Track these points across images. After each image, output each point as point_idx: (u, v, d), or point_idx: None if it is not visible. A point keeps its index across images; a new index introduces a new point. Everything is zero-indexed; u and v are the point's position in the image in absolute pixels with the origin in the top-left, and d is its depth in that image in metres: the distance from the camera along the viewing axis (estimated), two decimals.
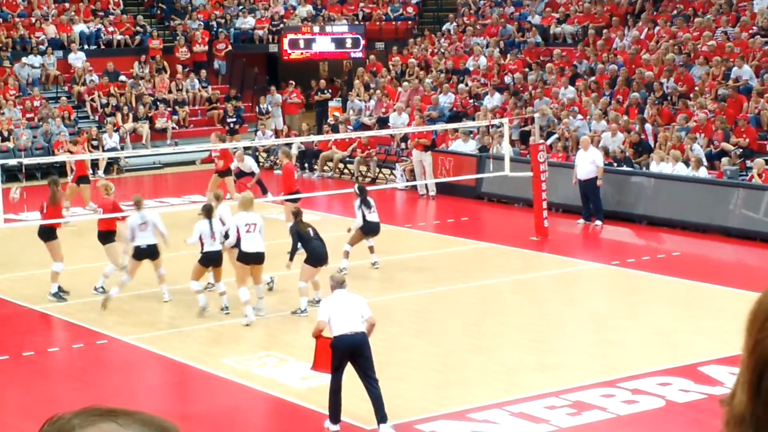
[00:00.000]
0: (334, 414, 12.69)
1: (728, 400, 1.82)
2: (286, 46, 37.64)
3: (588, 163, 24.01)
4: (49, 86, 36.37)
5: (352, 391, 12.57)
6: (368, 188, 21.09)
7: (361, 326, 12.43)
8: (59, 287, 19.01)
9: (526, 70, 32.39)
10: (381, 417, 12.45)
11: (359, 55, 37.75)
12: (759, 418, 1.76)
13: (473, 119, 29.87)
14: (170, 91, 36.80)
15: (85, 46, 37.68)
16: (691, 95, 27.42)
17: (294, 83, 37.10)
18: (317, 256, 17.14)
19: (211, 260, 17.51)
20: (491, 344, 16.02)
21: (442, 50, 35.88)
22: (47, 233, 19.05)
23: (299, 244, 17.25)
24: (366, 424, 12.68)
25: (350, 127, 32.57)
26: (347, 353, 12.37)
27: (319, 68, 40.73)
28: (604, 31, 32.68)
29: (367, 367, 12.42)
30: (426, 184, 27.73)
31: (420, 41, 37.30)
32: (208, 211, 17.59)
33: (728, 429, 1.81)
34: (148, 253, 18.03)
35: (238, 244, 17.10)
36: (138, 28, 39.10)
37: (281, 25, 39.26)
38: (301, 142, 31.11)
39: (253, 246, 16.95)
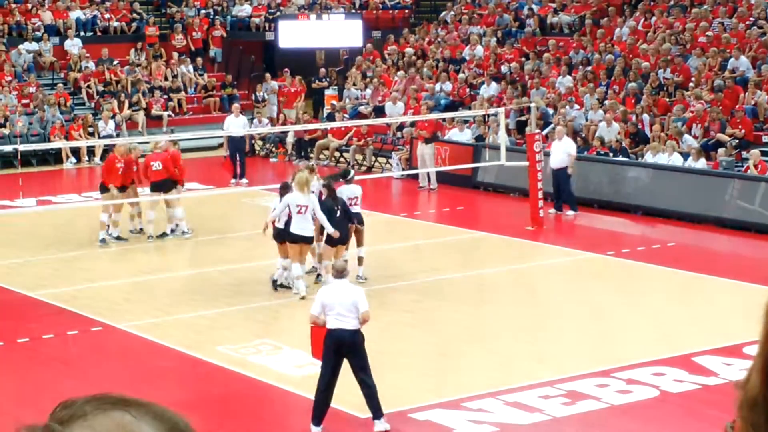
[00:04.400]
0: (318, 414, 12.21)
1: (742, 384, 1.83)
2: (282, 34, 37.56)
3: (561, 153, 23.99)
4: (45, 73, 36.31)
5: (343, 378, 12.52)
6: (365, 177, 21.10)
7: (354, 322, 12.02)
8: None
9: (523, 59, 32.39)
10: (375, 413, 12.25)
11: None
12: None
13: (470, 108, 29.85)
14: (166, 79, 36.76)
15: (82, 33, 37.62)
16: (689, 86, 27.45)
17: (289, 71, 36.96)
18: (331, 237, 17.53)
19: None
20: (486, 333, 16.04)
21: (439, 39, 35.86)
22: (168, 186, 21.53)
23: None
24: (360, 412, 12.66)
25: (346, 116, 32.54)
26: (338, 350, 12.04)
27: (315, 56, 40.67)
28: (602, 21, 32.69)
29: (359, 366, 12.08)
30: (428, 177, 27.51)
31: (417, 30, 37.27)
32: (284, 188, 17.90)
33: (741, 413, 1.81)
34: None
35: (287, 224, 17.49)
36: (134, 14, 39.03)
37: (278, 13, 39.21)
38: (296, 130, 31.10)
39: (302, 228, 17.36)
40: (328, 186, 17.97)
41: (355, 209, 18.35)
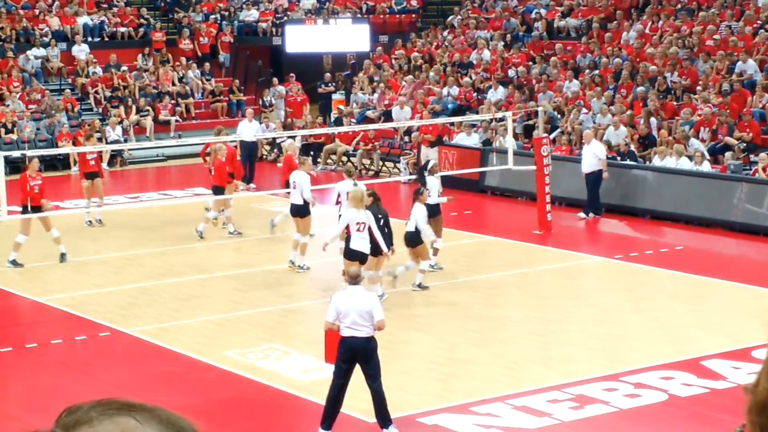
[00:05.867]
0: (328, 418, 12.26)
1: (752, 387, 1.83)
2: (289, 39, 37.57)
3: (590, 157, 24.02)
4: (52, 78, 36.37)
5: (351, 382, 12.51)
6: (373, 181, 21.09)
7: (368, 330, 12.03)
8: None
9: (530, 63, 32.38)
10: (383, 423, 12.27)
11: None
12: None
13: (477, 113, 29.86)
14: (173, 84, 36.81)
15: (89, 38, 37.69)
16: (696, 89, 27.42)
17: (294, 77, 36.90)
18: (374, 247, 17.17)
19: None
20: (494, 338, 16.02)
21: (446, 43, 35.87)
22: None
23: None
24: (369, 417, 12.65)
25: (354, 120, 32.54)
26: (351, 357, 12.08)
27: (322, 61, 40.70)
28: (609, 24, 32.67)
29: (370, 375, 12.11)
30: None
31: (424, 34, 37.27)
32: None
33: (750, 416, 1.81)
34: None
35: (347, 241, 17.05)
36: (142, 20, 39.10)
37: (285, 18, 39.24)
38: (301, 135, 31.11)
39: (359, 245, 16.91)
40: (373, 195, 17.79)
41: (429, 200, 19.47)
